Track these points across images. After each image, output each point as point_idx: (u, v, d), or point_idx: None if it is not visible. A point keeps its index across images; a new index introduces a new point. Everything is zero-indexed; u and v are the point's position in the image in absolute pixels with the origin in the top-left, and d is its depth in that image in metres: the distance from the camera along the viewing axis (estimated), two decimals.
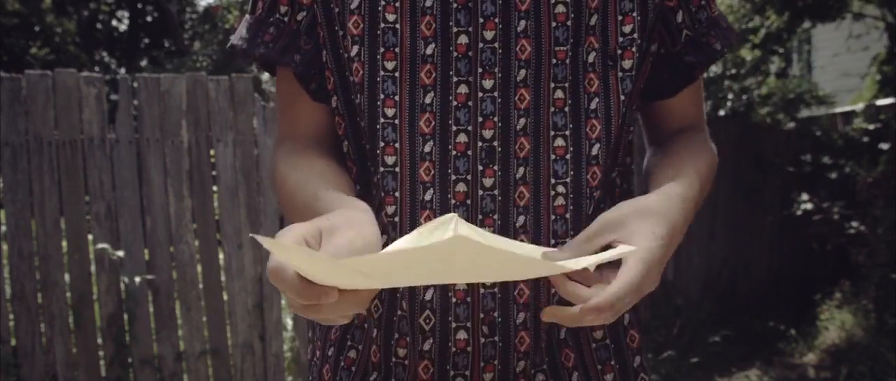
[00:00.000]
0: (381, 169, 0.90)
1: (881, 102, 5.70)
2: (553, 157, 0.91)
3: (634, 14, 0.92)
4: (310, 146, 0.97)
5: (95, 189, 3.40)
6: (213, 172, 3.60)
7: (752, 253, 5.47)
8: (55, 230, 3.32)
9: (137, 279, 3.39)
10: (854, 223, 5.07)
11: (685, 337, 4.78)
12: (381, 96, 0.89)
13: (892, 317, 4.56)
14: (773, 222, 5.43)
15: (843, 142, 5.59)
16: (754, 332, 5.04)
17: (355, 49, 0.90)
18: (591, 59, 0.90)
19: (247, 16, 0.98)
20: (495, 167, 0.90)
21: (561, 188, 0.91)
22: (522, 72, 0.89)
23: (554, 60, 0.89)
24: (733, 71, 5.83)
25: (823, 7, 5.66)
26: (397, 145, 0.89)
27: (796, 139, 5.73)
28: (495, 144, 0.89)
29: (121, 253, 3.36)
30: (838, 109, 6.32)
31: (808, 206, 5.35)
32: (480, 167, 0.89)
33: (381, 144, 0.90)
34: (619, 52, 0.91)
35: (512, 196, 0.90)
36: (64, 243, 3.36)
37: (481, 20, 0.89)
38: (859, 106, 5.91)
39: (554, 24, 0.89)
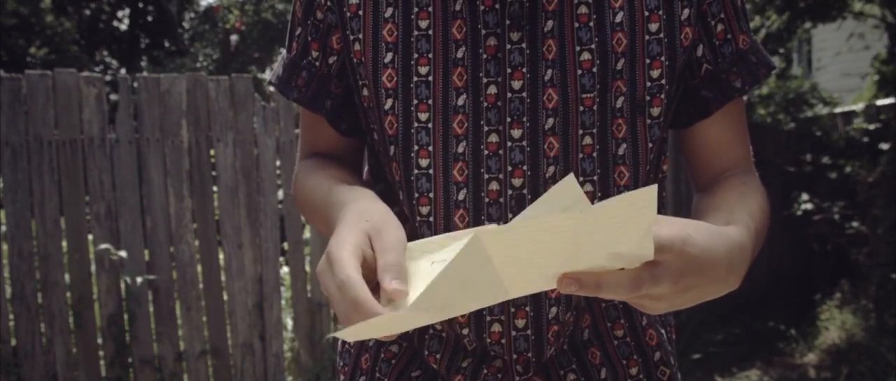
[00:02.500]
0: (417, 218, 0.93)
1: (881, 102, 5.69)
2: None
3: (662, 58, 0.92)
4: (330, 159, 1.02)
5: (95, 189, 3.40)
6: (213, 173, 3.60)
7: None
8: (55, 230, 3.32)
9: (138, 280, 3.39)
10: (854, 223, 5.07)
11: (685, 336, 4.78)
12: (415, 147, 0.92)
13: (892, 317, 4.56)
14: (773, 222, 5.42)
15: (844, 142, 5.59)
16: (754, 332, 5.04)
17: (389, 102, 0.93)
18: (618, 104, 0.91)
19: (283, 52, 1.02)
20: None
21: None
22: (550, 120, 0.90)
23: (581, 108, 0.90)
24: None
25: (824, 7, 5.65)
26: (431, 195, 0.92)
27: (796, 139, 5.73)
28: (525, 191, 0.91)
29: (123, 254, 3.36)
30: (838, 109, 6.32)
31: (808, 206, 5.35)
32: (511, 214, 0.92)
33: (416, 195, 0.93)
34: (648, 98, 0.92)
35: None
36: (64, 243, 3.36)
37: (509, 70, 0.90)
38: (859, 106, 5.91)
39: (579, 71, 0.90)
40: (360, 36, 0.94)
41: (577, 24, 0.90)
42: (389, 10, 0.93)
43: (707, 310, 5.05)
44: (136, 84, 3.50)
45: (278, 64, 1.03)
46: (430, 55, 0.91)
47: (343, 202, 0.84)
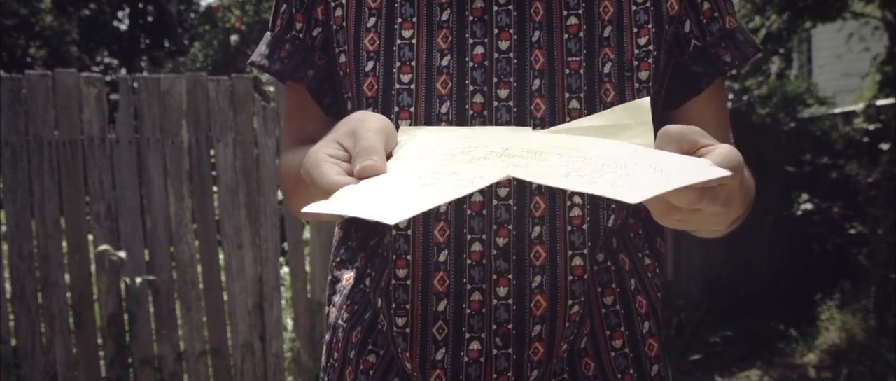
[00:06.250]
0: None
1: (881, 102, 5.69)
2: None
3: (650, 25, 0.93)
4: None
5: (95, 189, 3.40)
6: (213, 173, 3.60)
7: (752, 253, 5.47)
8: (55, 230, 3.32)
9: (138, 280, 3.39)
10: (854, 223, 5.08)
11: (685, 337, 4.78)
12: (396, 109, 0.91)
13: (892, 317, 4.56)
14: (773, 222, 5.43)
15: (843, 142, 5.59)
16: (754, 332, 5.04)
17: (370, 65, 0.92)
18: (606, 69, 0.91)
19: (267, 33, 1.01)
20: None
21: (578, 199, 0.91)
22: (537, 81, 0.90)
23: (567, 70, 0.90)
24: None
25: (823, 7, 5.65)
26: None
27: (796, 139, 5.73)
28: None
29: (122, 254, 3.36)
30: (838, 109, 6.32)
31: (808, 206, 5.35)
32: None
33: None
34: (636, 63, 0.92)
35: (527, 206, 0.90)
36: (64, 243, 3.36)
37: (496, 31, 0.90)
38: (859, 106, 5.91)
39: (566, 35, 0.91)
40: (343, 1, 0.94)
41: None
42: None
43: (707, 310, 5.05)
44: (136, 84, 3.50)
45: (262, 43, 1.01)
46: (415, 19, 0.92)
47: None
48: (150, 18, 17.05)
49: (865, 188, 4.98)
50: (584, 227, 0.91)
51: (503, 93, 0.90)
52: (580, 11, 0.91)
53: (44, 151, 3.31)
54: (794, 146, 5.66)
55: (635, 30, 0.92)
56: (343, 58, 0.94)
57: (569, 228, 0.91)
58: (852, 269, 5.08)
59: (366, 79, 0.92)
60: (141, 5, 16.99)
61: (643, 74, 0.92)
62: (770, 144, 5.54)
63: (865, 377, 4.18)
